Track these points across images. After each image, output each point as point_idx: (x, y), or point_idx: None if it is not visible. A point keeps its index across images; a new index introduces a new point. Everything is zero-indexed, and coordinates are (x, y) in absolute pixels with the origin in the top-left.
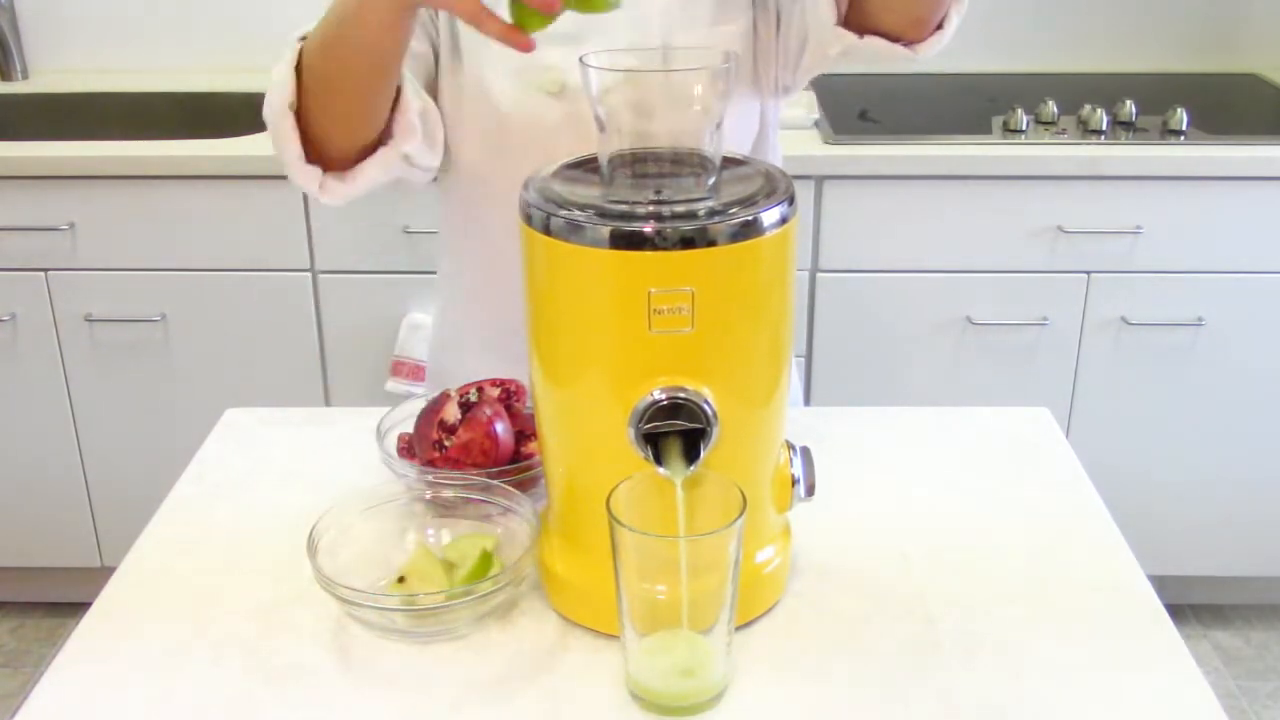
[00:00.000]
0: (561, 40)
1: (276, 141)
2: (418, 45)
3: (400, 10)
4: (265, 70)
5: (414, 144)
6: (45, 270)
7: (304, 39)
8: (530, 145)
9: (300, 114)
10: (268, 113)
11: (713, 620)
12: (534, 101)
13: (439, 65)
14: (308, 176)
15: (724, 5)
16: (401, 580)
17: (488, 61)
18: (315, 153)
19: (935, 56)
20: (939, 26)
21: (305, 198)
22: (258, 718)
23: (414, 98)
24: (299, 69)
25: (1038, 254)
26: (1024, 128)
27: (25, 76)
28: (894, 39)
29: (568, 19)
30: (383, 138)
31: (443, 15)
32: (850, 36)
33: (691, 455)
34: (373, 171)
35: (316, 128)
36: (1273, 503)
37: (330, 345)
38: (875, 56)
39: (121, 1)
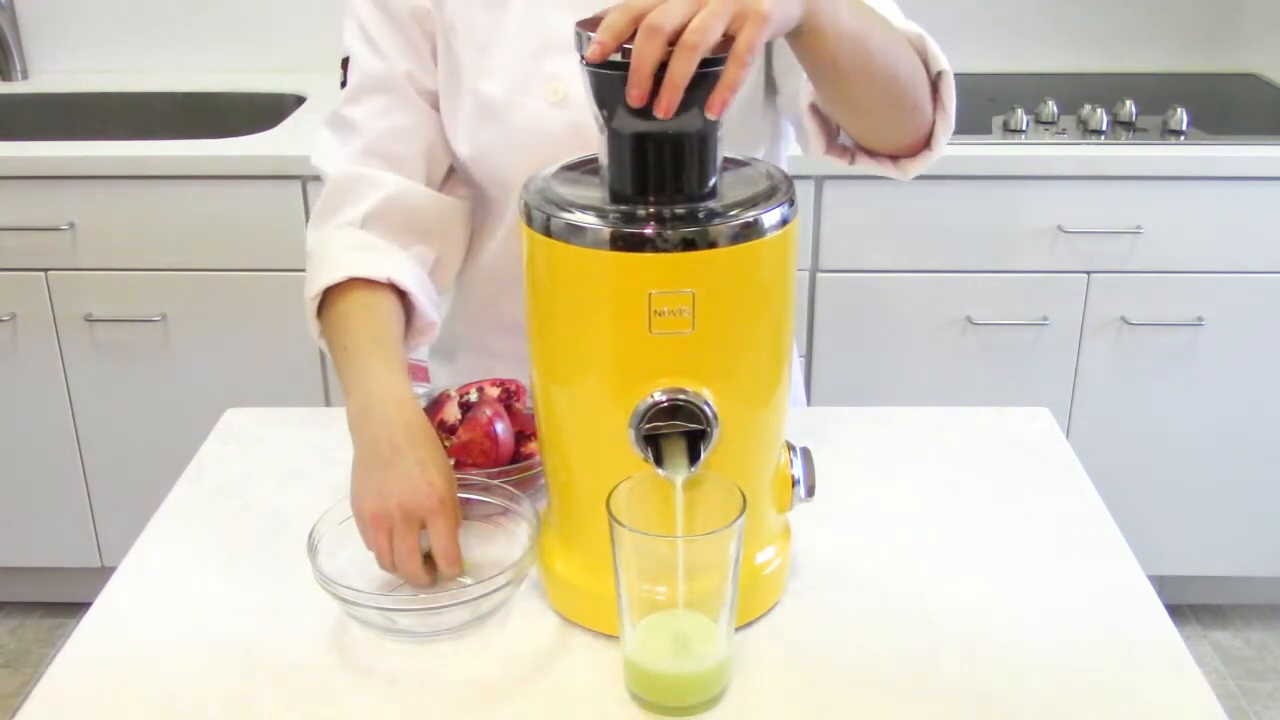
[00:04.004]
0: (563, 50)
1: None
2: (419, 97)
3: None
4: (265, 70)
5: (431, 336)
6: (45, 270)
7: (327, 290)
8: (533, 155)
9: None
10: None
11: (713, 645)
12: (537, 111)
13: (441, 93)
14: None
15: None
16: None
17: (490, 73)
18: None
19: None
20: (928, 145)
21: (305, 197)
22: (258, 718)
23: (427, 306)
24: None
25: (1038, 254)
26: (1024, 128)
27: (25, 76)
28: (882, 159)
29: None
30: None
31: (440, 41)
32: (841, 163)
33: (692, 456)
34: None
35: None
36: (1273, 503)
37: None
38: (868, 172)
39: (121, 1)
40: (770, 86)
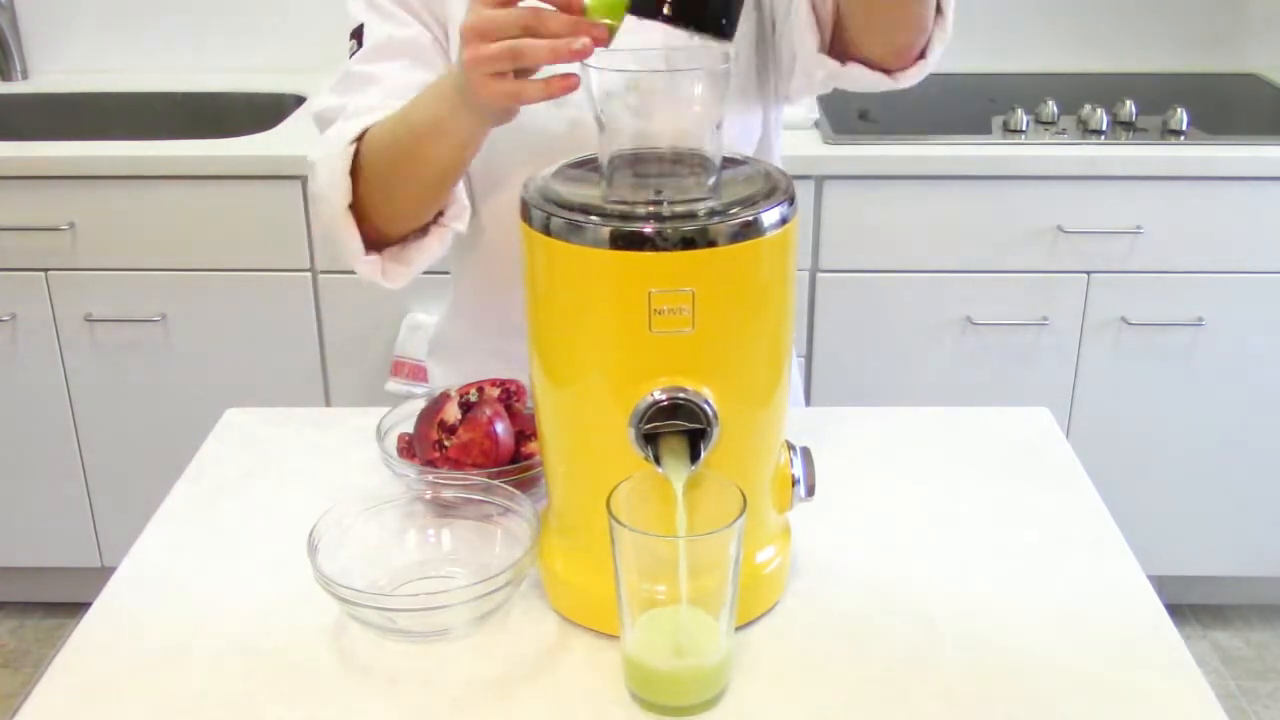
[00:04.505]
0: None
1: (334, 236)
2: (441, 61)
3: (483, 129)
4: (265, 70)
5: (465, 220)
6: (45, 270)
7: (358, 140)
8: (533, 151)
9: (355, 208)
10: (324, 209)
11: (713, 641)
12: (535, 109)
13: None
14: (370, 268)
15: None
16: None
17: None
18: (370, 239)
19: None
20: (922, 55)
21: (305, 198)
22: (258, 718)
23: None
24: (354, 169)
25: (1038, 254)
26: (1024, 128)
27: (25, 76)
28: (876, 66)
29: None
30: (435, 216)
31: (453, 34)
32: (832, 63)
33: (692, 455)
34: (431, 251)
35: (376, 218)
36: (1273, 503)
37: (330, 345)
38: (858, 82)
39: (121, 1)
40: (762, 69)
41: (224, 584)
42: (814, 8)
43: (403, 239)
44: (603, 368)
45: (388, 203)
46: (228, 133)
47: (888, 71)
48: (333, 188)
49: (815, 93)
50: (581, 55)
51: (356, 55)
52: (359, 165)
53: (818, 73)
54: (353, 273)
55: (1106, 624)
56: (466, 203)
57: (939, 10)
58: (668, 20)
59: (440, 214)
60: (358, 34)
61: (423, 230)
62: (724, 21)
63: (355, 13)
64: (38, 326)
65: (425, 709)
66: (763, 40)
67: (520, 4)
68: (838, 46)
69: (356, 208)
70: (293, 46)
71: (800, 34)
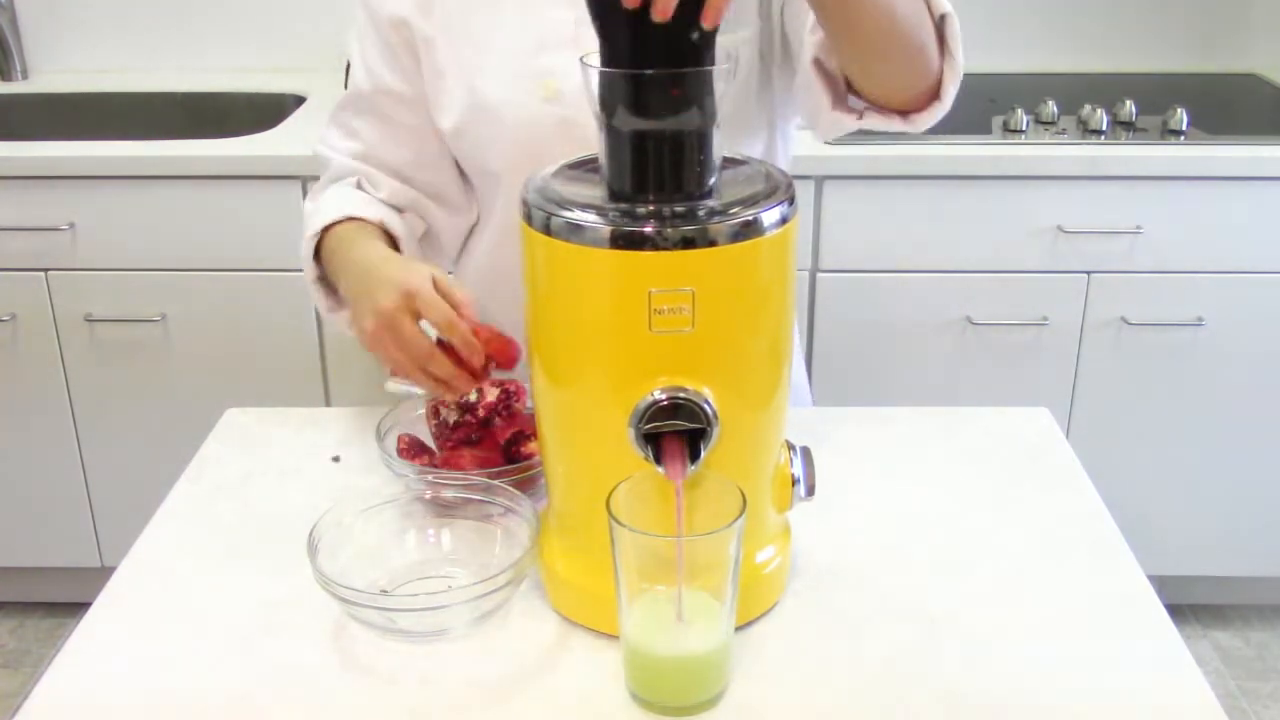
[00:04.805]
0: (557, 45)
1: (310, 293)
2: (408, 117)
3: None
4: (265, 70)
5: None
6: (45, 270)
7: (319, 234)
8: (528, 150)
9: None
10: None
11: (713, 620)
12: (531, 107)
13: (429, 96)
14: (340, 322)
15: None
16: None
17: (485, 69)
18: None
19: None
20: (936, 96)
21: (305, 197)
22: (258, 718)
23: (414, 248)
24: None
25: (1038, 254)
26: (1024, 128)
27: (25, 76)
28: (891, 112)
29: (564, 22)
30: None
31: (422, 47)
32: (848, 120)
33: (692, 455)
34: None
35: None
36: (1273, 503)
37: (330, 345)
38: (877, 127)
39: (121, 1)
40: (765, 74)
41: (224, 583)
42: (819, 65)
43: None
44: (602, 368)
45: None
46: (228, 133)
47: (903, 115)
48: (305, 260)
49: (843, 133)
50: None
51: (343, 100)
52: (323, 249)
53: (835, 130)
54: None
55: (1106, 624)
56: (448, 254)
57: (946, 50)
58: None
59: None
60: (349, 68)
61: None
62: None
63: (350, 46)
64: (38, 326)
65: (425, 709)
66: (767, 84)
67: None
68: (852, 90)
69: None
70: (293, 46)
71: (812, 96)
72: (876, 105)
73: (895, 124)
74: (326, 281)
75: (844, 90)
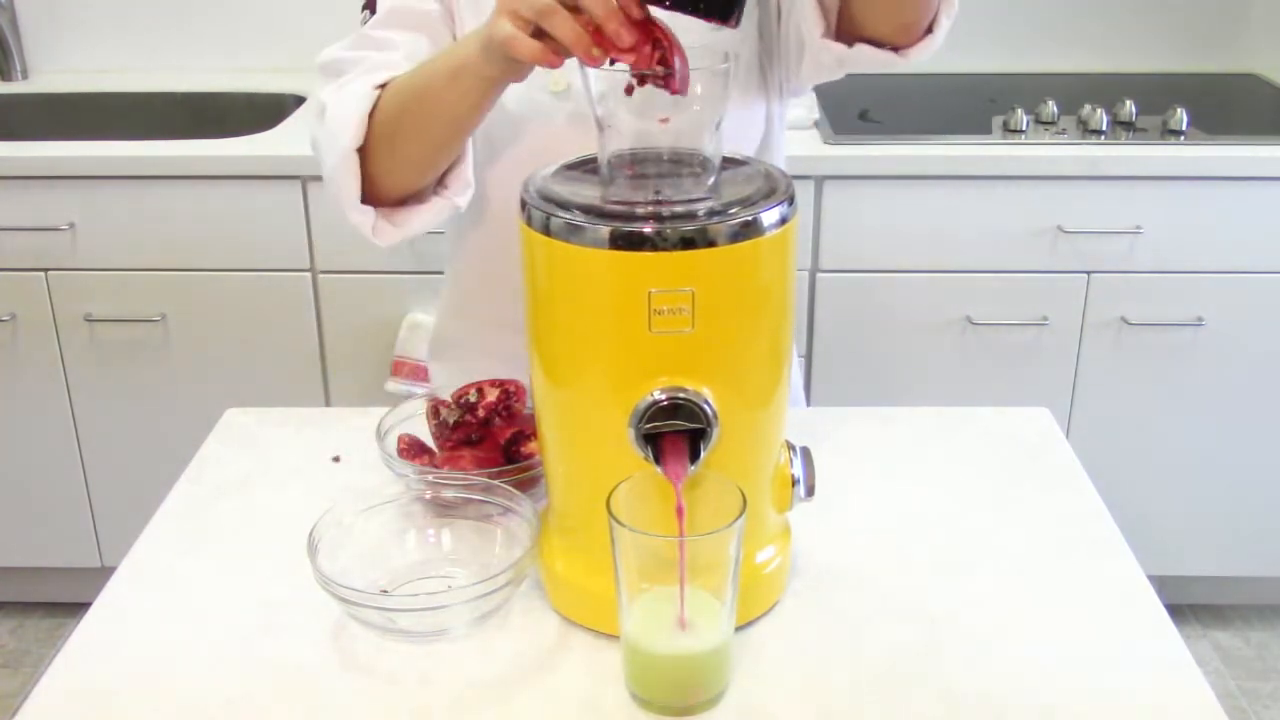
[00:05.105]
0: None
1: (335, 179)
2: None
3: (497, 80)
4: (265, 70)
5: (467, 196)
6: (45, 270)
7: (382, 86)
8: (535, 145)
9: (362, 155)
10: (329, 155)
11: (714, 620)
12: (540, 102)
13: None
14: (362, 217)
15: None
16: None
17: None
18: (369, 193)
19: (934, 56)
20: (929, 31)
21: (305, 197)
22: (258, 718)
23: (470, 150)
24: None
25: (1038, 254)
26: (1024, 128)
27: (25, 76)
28: (883, 45)
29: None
30: (436, 185)
31: (455, 25)
32: (839, 47)
33: (692, 455)
34: (427, 218)
35: (378, 170)
36: (1273, 503)
37: (330, 345)
38: (867, 63)
39: (121, 1)
40: (764, 73)
41: (224, 584)
42: None
43: (400, 202)
44: (602, 368)
45: (395, 153)
46: (228, 133)
47: (896, 49)
48: (344, 128)
49: (824, 79)
50: (593, 61)
51: (372, 20)
52: (373, 115)
53: (825, 58)
54: (353, 272)
55: (1106, 624)
56: (471, 179)
57: None
58: (673, 7)
59: (443, 186)
60: (370, 3)
61: (420, 198)
62: (730, 5)
63: None
64: (38, 326)
65: (425, 709)
66: (767, 32)
67: None
68: (844, 28)
69: (364, 160)
70: (293, 46)
71: (806, 20)
72: (869, 39)
73: (889, 60)
74: (363, 167)
75: (835, 20)
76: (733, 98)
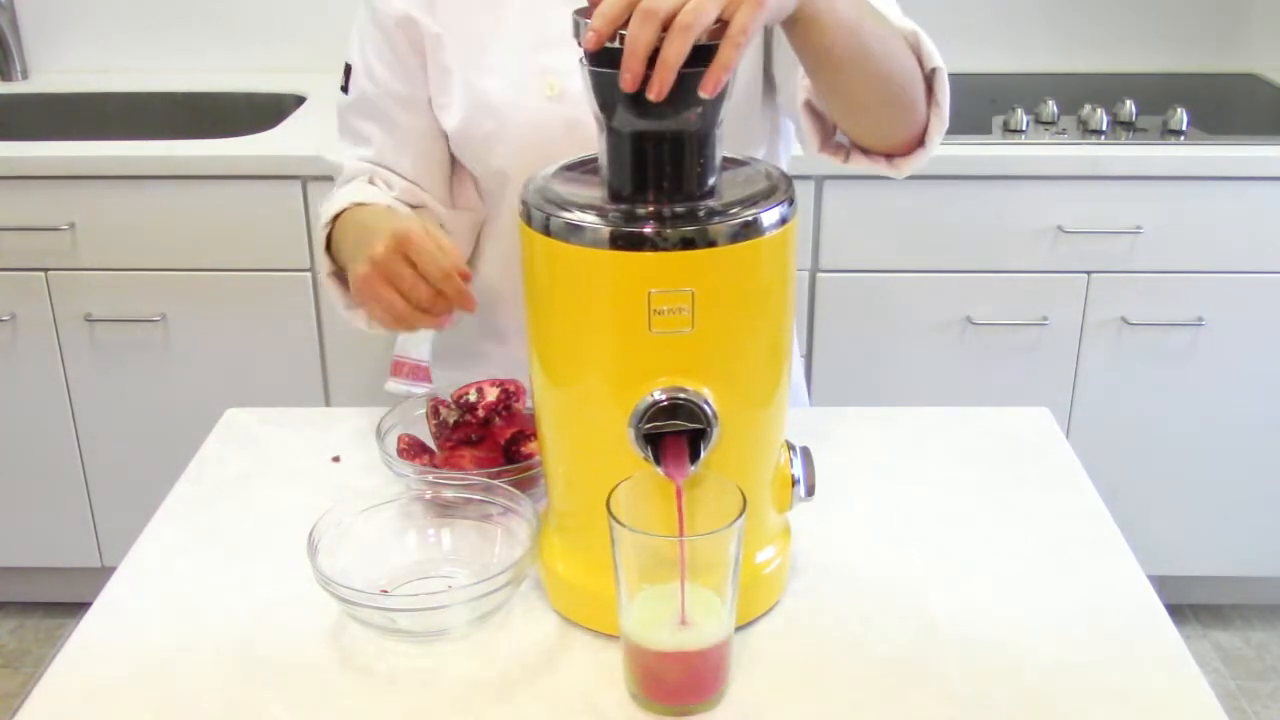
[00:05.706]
0: (559, 44)
1: (324, 285)
2: (412, 120)
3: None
4: (265, 70)
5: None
6: (45, 270)
7: (331, 223)
8: (529, 149)
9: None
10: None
11: (714, 620)
12: (533, 106)
13: (432, 100)
14: (354, 319)
15: None
16: None
17: (488, 69)
18: None
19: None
20: (922, 143)
21: (305, 197)
22: (258, 718)
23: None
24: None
25: (1038, 254)
26: (1024, 128)
27: (25, 76)
28: (877, 156)
29: (565, 20)
30: None
31: (429, 46)
32: (835, 161)
33: (692, 455)
34: None
35: None
36: (1273, 503)
37: (330, 345)
38: (863, 170)
39: (121, 1)
40: (769, 84)
41: (224, 583)
42: (810, 107)
43: None
44: (602, 368)
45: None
46: (228, 133)
47: (889, 159)
48: (319, 255)
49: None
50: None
51: (348, 105)
52: (335, 241)
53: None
54: None
55: (1106, 624)
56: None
57: (934, 102)
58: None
59: None
60: (347, 70)
61: None
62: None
63: (349, 49)
64: (38, 326)
65: (425, 709)
66: (770, 92)
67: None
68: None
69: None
70: (293, 46)
71: (802, 136)
72: (862, 149)
73: (880, 167)
74: (342, 278)
75: (832, 132)
76: (736, 103)
